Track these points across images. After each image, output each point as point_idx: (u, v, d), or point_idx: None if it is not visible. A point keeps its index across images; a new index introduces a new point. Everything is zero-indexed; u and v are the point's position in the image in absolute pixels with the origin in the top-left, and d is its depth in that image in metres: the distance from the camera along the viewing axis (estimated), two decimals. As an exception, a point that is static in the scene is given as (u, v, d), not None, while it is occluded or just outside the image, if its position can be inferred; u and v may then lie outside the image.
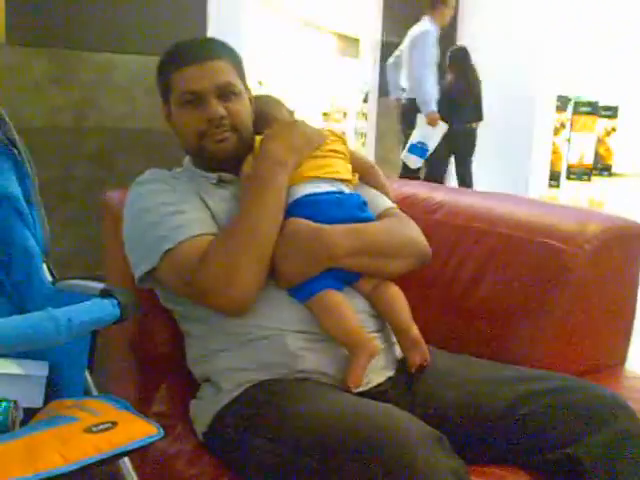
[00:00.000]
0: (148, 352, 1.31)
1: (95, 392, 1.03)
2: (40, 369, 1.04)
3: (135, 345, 1.31)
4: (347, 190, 1.22)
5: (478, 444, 1.03)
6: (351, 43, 7.90)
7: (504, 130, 4.71)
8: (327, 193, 1.18)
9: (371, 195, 1.29)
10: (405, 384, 1.13)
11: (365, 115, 5.75)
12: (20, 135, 1.19)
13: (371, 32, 4.91)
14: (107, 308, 0.91)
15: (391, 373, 1.15)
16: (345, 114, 7.77)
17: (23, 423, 0.94)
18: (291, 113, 1.34)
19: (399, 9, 4.71)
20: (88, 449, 0.76)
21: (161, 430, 0.84)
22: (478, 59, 4.39)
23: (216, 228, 1.15)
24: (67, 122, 2.19)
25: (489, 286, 1.34)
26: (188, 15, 2.48)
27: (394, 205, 1.31)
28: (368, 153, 4.94)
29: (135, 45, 2.26)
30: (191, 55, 1.19)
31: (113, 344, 1.28)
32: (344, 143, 1.29)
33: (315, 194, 1.17)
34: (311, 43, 7.96)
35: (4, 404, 0.91)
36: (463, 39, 4.82)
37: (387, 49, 4.54)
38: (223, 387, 1.10)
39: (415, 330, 1.15)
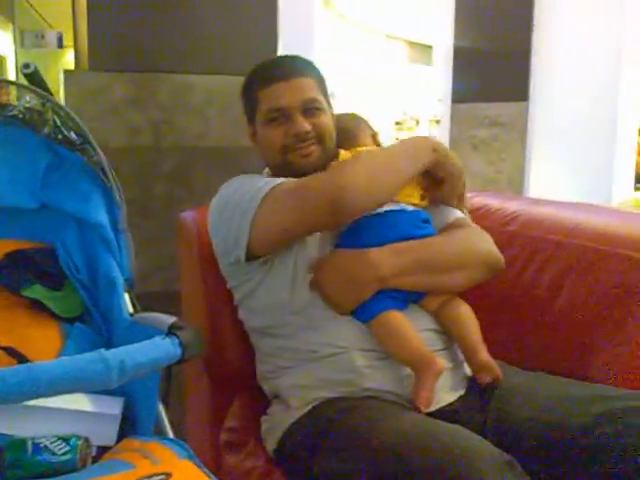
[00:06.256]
0: (222, 367, 1.34)
1: (169, 431, 0.99)
2: (114, 407, 1.01)
3: (209, 361, 1.34)
4: (410, 208, 1.20)
5: (555, 466, 0.99)
6: (422, 50, 7.84)
7: (584, 128, 4.51)
8: (384, 213, 1.16)
9: (440, 208, 1.27)
10: (477, 403, 1.10)
11: (438, 122, 5.68)
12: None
13: (443, 38, 4.85)
14: (167, 348, 0.85)
15: (462, 392, 1.13)
16: (418, 122, 7.71)
17: (95, 460, 0.93)
18: (375, 134, 1.34)
19: (471, 14, 4.64)
20: None
21: None
22: (556, 53, 4.20)
23: None
24: (146, 142, 2.27)
25: (566, 301, 1.28)
26: (259, 33, 2.52)
27: (464, 215, 1.28)
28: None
29: (209, 65, 2.33)
30: (277, 72, 1.22)
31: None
32: None
33: (372, 215, 1.15)
34: (382, 52, 7.94)
35: (73, 441, 0.90)
36: (540, 27, 4.61)
37: (459, 55, 4.47)
38: (291, 404, 1.11)
39: (483, 353, 1.11)
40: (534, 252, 1.38)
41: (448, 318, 1.15)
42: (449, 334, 1.16)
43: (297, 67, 1.24)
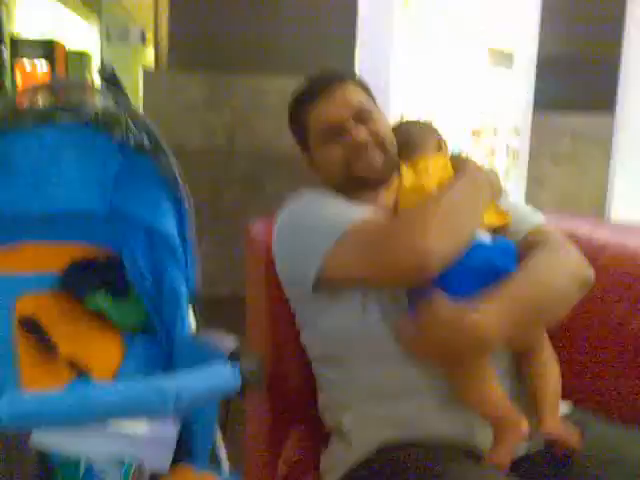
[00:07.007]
0: (283, 395, 1.29)
1: (226, 463, 0.95)
2: (170, 431, 0.97)
3: (270, 387, 1.27)
4: (486, 240, 1.07)
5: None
6: (502, 57, 7.61)
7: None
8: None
9: (515, 212, 1.16)
10: (558, 461, 1.00)
11: (518, 132, 5.48)
12: (176, 157, 1.16)
13: (526, 45, 4.67)
14: (227, 378, 0.82)
15: (540, 446, 1.02)
16: (495, 131, 7.49)
17: None
18: (441, 141, 1.24)
19: (557, 21, 4.44)
20: None
21: None
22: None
23: None
24: (220, 144, 2.27)
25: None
26: (337, 35, 2.49)
27: (542, 220, 1.16)
28: (520, 173, 4.69)
29: (285, 66, 2.30)
30: (318, 89, 1.19)
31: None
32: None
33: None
34: (461, 59, 7.76)
35: (125, 467, 0.89)
36: (631, 34, 4.40)
37: (542, 62, 4.29)
38: (353, 443, 1.05)
39: (553, 425, 0.99)
40: (626, 289, 1.27)
41: (527, 362, 1.05)
42: (523, 381, 1.06)
43: (334, 78, 1.20)
